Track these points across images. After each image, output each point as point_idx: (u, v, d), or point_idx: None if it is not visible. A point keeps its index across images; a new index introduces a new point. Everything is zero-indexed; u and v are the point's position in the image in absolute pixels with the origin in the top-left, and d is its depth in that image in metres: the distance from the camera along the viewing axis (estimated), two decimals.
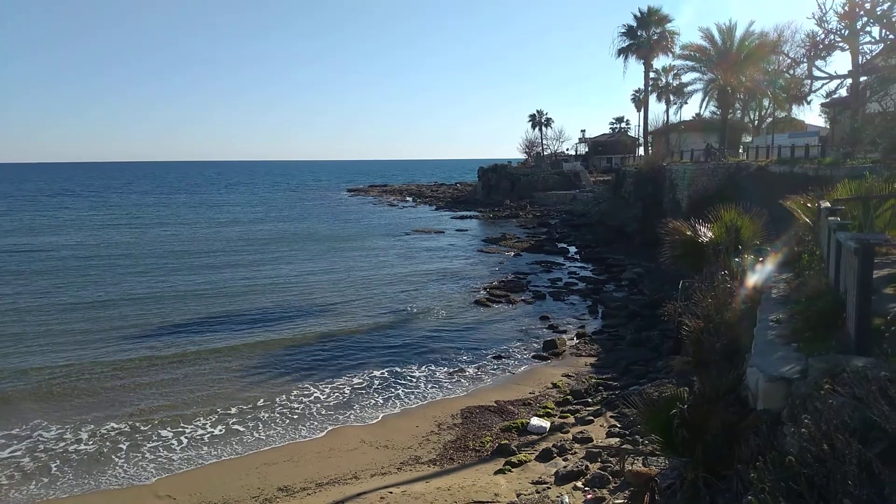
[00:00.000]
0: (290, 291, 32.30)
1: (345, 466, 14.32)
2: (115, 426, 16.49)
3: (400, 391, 19.16)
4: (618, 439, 14.00)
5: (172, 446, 15.60)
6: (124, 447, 15.45)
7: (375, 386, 19.52)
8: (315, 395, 18.76)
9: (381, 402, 18.38)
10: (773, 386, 5.84)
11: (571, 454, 13.77)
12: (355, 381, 19.89)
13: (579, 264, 40.47)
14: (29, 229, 59.94)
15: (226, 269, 37.99)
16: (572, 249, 45.95)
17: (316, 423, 16.91)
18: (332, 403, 18.19)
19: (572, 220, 59.71)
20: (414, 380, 20.07)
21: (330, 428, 16.61)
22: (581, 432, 14.96)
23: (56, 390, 18.86)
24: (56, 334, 24.35)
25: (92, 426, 16.47)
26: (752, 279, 10.01)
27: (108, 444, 15.60)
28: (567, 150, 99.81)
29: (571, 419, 16.16)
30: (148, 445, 15.57)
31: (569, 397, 17.75)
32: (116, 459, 14.92)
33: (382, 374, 20.50)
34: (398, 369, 20.91)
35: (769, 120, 56.97)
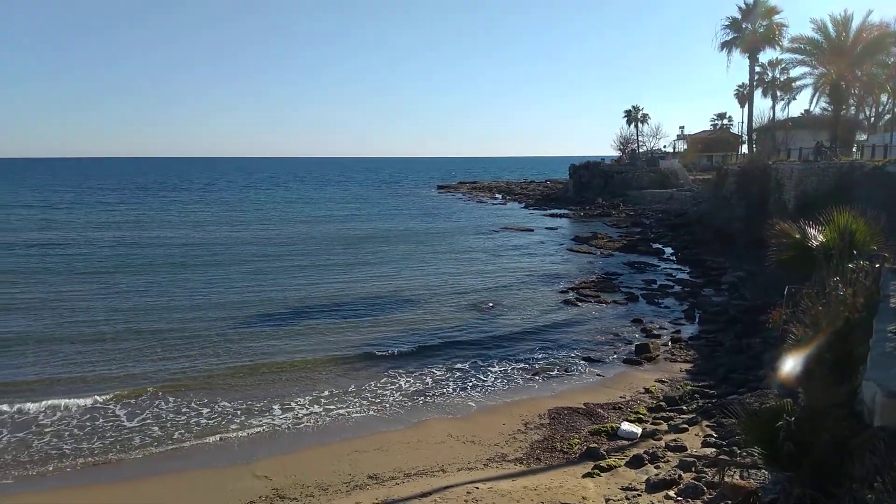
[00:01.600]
0: (380, 285, 33.03)
1: (432, 458, 14.54)
2: (227, 405, 17.54)
3: (486, 388, 19.24)
4: (714, 449, 13.47)
5: (268, 430, 16.37)
6: (227, 427, 16.39)
7: (462, 381, 19.69)
8: (402, 387, 19.15)
9: (468, 397, 18.52)
10: (894, 402, 5.47)
11: (664, 462, 13.37)
12: (442, 375, 20.16)
13: (675, 266, 39.11)
14: (138, 222, 64.10)
15: (321, 265, 39.35)
16: (668, 250, 44.46)
17: (404, 415, 17.28)
18: (419, 396, 18.51)
19: (669, 219, 57.65)
20: (500, 377, 20.09)
21: (417, 420, 16.90)
22: (674, 440, 14.49)
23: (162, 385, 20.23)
24: (157, 332, 25.94)
25: (206, 405, 17.58)
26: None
27: (215, 422, 16.61)
28: (664, 147, 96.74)
29: (664, 426, 15.67)
30: (245, 427, 16.43)
31: (662, 404, 17.22)
32: (217, 438, 15.86)
33: (468, 370, 20.65)
34: (484, 366, 21.00)
35: (887, 117, 52.97)
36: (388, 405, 17.90)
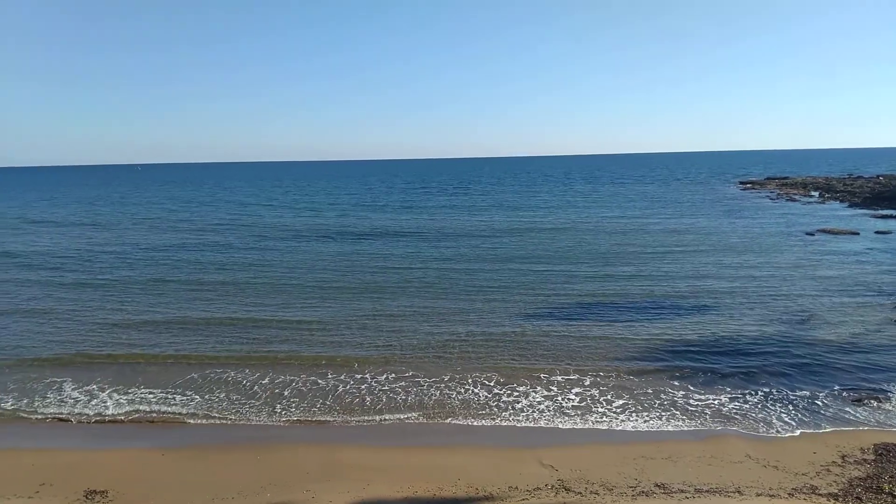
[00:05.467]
0: (677, 285, 31.67)
1: (727, 477, 13.61)
2: (514, 390, 18.67)
3: (794, 410, 17.30)
4: None
5: (554, 420, 16.92)
6: (518, 411, 17.37)
7: (764, 399, 18.01)
8: (696, 396, 18.19)
9: (770, 418, 16.88)
10: None
11: None
12: (740, 389, 18.69)
13: None
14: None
15: (613, 264, 39.28)
16: None
17: (696, 426, 16.43)
18: (714, 408, 17.41)
19: None
20: (812, 400, 17.87)
21: (711, 433, 15.94)
22: None
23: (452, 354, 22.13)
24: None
25: (501, 387, 18.94)
26: None
27: (507, 403, 17.73)
28: None
29: None
30: (533, 414, 17.21)
31: None
32: (506, 416, 16.94)
33: (773, 387, 18.81)
34: (792, 384, 18.94)
35: None
36: (678, 413, 17.18)
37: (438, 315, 27.25)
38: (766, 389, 18.65)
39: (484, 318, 26.58)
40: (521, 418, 17.06)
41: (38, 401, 18.78)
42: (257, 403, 18.35)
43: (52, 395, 19.09)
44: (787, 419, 16.72)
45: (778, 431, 16.04)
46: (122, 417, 17.59)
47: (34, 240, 55.25)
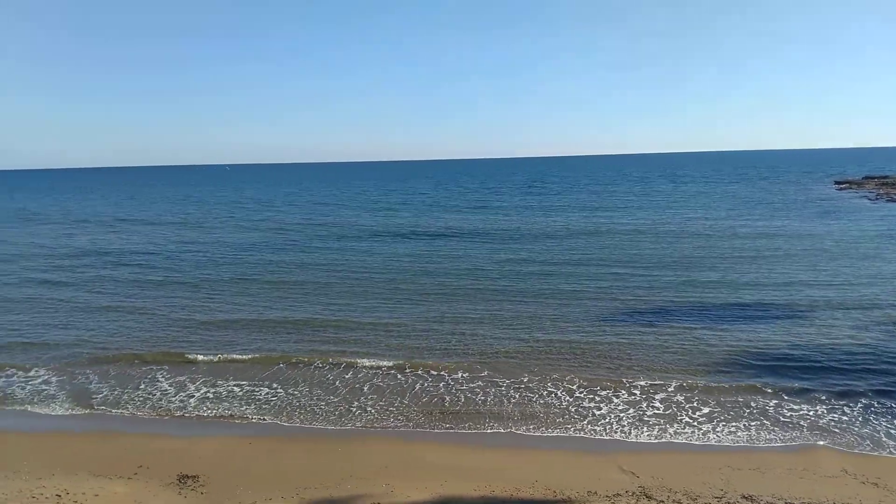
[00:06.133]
0: (767, 291, 30.35)
1: (820, 493, 12.93)
2: (594, 393, 18.36)
3: None
4: None
5: (634, 424, 16.52)
6: (596, 415, 17.08)
7: (863, 413, 16.97)
8: (788, 405, 17.38)
9: (870, 432, 15.89)
10: None
11: None
12: (835, 400, 17.72)
13: None
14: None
15: (694, 268, 38.04)
16: None
17: (787, 437, 15.69)
18: (807, 419, 16.56)
19: None
20: None
21: (802, 445, 15.20)
22: None
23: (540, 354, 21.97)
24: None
25: (580, 390, 18.72)
26: None
27: (586, 408, 17.47)
28: None
29: None
30: (611, 418, 16.86)
31: None
32: (584, 420, 16.72)
33: (872, 399, 17.72)
34: (893, 398, 17.72)
35: None
36: (769, 423, 16.42)
37: (516, 319, 27.11)
38: (865, 402, 17.58)
39: (562, 323, 26.22)
40: (601, 425, 16.70)
41: (134, 391, 19.94)
42: (335, 400, 18.82)
43: (146, 386, 20.22)
44: (892, 433, 15.68)
45: (879, 447, 15.07)
46: (212, 408, 18.43)
47: (128, 238, 58.66)
